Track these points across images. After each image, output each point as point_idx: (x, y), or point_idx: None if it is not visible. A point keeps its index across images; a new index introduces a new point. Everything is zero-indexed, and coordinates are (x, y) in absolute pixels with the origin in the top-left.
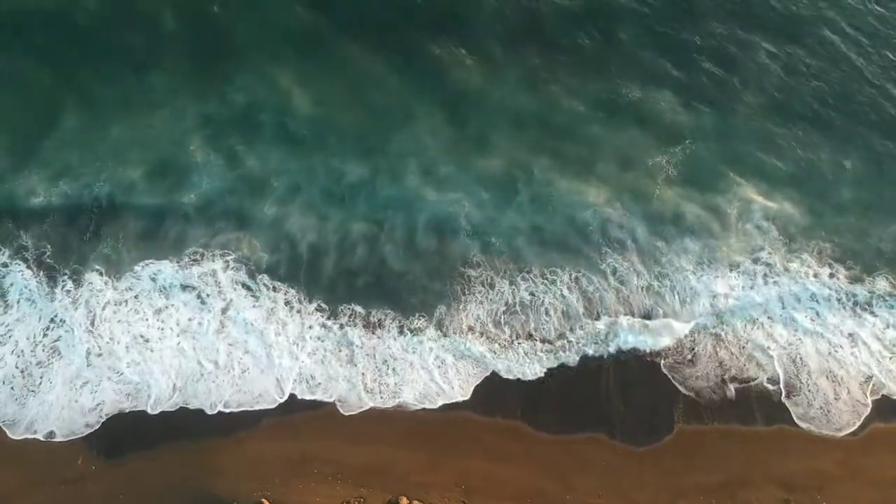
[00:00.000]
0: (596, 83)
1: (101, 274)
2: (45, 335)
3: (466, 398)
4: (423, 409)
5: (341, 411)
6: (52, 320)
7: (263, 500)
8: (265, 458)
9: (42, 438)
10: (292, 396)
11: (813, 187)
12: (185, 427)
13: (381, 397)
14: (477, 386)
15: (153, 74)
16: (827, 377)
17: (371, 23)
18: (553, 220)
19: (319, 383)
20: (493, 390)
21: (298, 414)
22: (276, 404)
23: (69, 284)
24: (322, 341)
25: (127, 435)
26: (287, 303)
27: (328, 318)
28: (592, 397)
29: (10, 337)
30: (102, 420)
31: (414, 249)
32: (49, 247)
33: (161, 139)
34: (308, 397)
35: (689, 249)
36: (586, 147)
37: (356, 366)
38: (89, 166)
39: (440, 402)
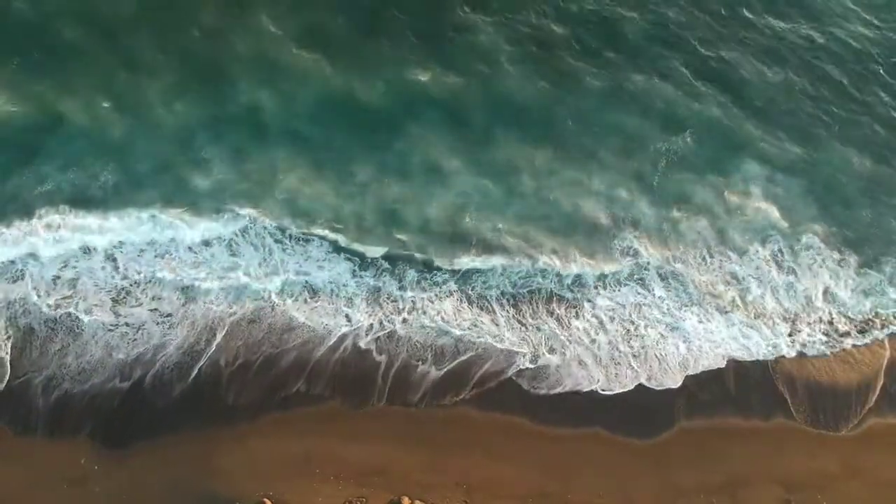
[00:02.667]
0: (599, 74)
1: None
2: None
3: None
4: (425, 407)
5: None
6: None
7: (265, 499)
8: (267, 456)
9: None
10: (297, 391)
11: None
12: (188, 426)
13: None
14: (477, 382)
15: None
16: None
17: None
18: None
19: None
20: (494, 386)
21: (300, 411)
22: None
23: None
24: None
25: (129, 434)
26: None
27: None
28: (593, 393)
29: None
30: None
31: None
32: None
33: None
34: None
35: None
36: (590, 136)
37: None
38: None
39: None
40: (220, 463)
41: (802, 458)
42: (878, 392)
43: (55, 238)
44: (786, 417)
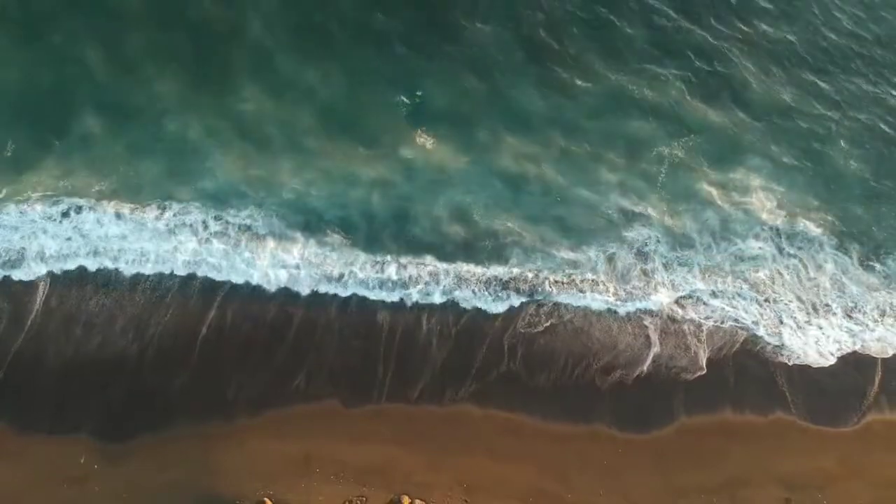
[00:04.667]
0: (602, 77)
1: None
2: None
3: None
4: (425, 404)
5: None
6: None
7: (266, 498)
8: (268, 456)
9: None
10: (298, 387)
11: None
12: (188, 425)
13: None
14: (475, 378)
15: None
16: None
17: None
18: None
19: None
20: (493, 379)
21: (300, 410)
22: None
23: None
24: None
25: (129, 433)
26: None
27: None
28: (592, 391)
29: None
30: None
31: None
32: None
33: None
34: None
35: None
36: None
37: None
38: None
39: None
40: (221, 462)
41: (802, 456)
42: (876, 387)
43: None
44: (785, 413)
